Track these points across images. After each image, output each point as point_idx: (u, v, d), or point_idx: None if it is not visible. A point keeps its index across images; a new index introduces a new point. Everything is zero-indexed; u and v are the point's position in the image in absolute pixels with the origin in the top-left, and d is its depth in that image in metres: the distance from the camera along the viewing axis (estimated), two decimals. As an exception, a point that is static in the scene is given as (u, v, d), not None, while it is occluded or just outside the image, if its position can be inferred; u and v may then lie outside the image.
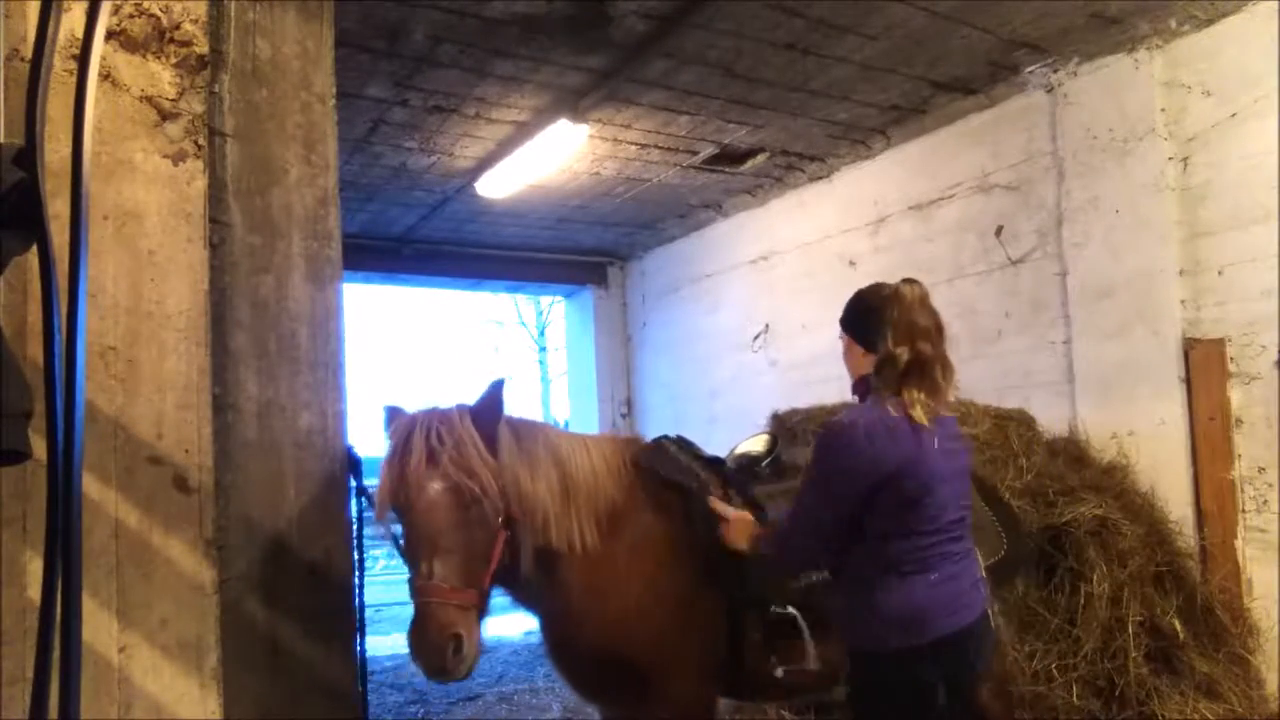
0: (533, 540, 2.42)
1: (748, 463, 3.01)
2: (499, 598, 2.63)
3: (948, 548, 2.13)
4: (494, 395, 2.41)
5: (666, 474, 2.69)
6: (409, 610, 2.20)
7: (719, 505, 2.53)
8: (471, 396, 2.45)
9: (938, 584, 2.09)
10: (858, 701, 2.23)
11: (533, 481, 2.43)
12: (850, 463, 2.07)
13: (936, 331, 2.13)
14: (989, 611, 2.26)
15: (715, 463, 2.90)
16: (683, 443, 2.93)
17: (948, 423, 2.22)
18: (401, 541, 2.29)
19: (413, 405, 2.46)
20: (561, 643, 2.65)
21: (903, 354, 2.07)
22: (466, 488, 2.22)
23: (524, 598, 2.65)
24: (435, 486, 2.21)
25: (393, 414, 2.43)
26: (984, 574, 2.33)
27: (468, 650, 2.12)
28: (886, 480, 2.04)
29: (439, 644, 2.09)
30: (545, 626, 2.69)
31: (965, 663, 2.17)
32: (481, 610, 2.23)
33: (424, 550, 2.19)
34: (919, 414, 2.06)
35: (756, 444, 3.10)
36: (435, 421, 2.31)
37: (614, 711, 2.85)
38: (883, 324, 2.09)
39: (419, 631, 2.12)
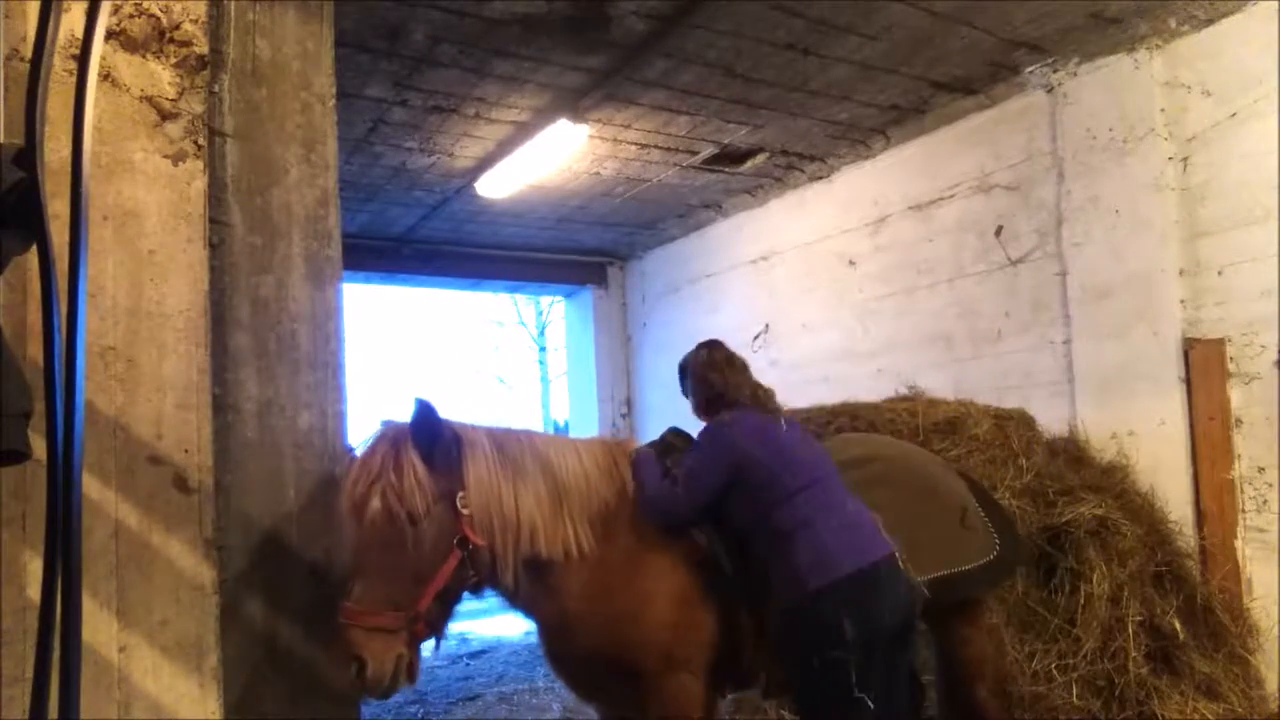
0: (517, 553, 2.41)
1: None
2: (496, 598, 2.63)
3: (835, 499, 2.55)
4: (422, 414, 2.32)
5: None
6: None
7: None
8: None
9: (839, 527, 2.48)
10: (785, 654, 2.51)
11: (516, 494, 2.41)
12: (717, 450, 2.60)
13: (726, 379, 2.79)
14: (896, 558, 2.50)
15: None
16: (677, 433, 2.95)
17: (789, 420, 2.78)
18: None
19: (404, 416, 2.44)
20: (559, 644, 2.66)
21: (717, 396, 2.80)
22: (394, 510, 2.19)
23: (517, 603, 2.65)
24: (370, 507, 2.19)
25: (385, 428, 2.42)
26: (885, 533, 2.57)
27: (373, 673, 2.10)
28: (750, 461, 2.54)
29: (343, 665, 2.12)
30: (542, 629, 2.70)
31: (876, 603, 2.41)
32: (416, 631, 2.20)
33: (353, 571, 2.21)
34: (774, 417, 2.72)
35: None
36: (383, 439, 2.30)
37: (612, 712, 2.85)
38: (695, 381, 2.90)
39: (343, 650, 2.14)
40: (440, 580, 2.24)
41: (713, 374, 2.82)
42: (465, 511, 2.31)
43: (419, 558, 2.22)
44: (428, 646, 2.32)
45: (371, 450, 2.28)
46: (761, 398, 2.77)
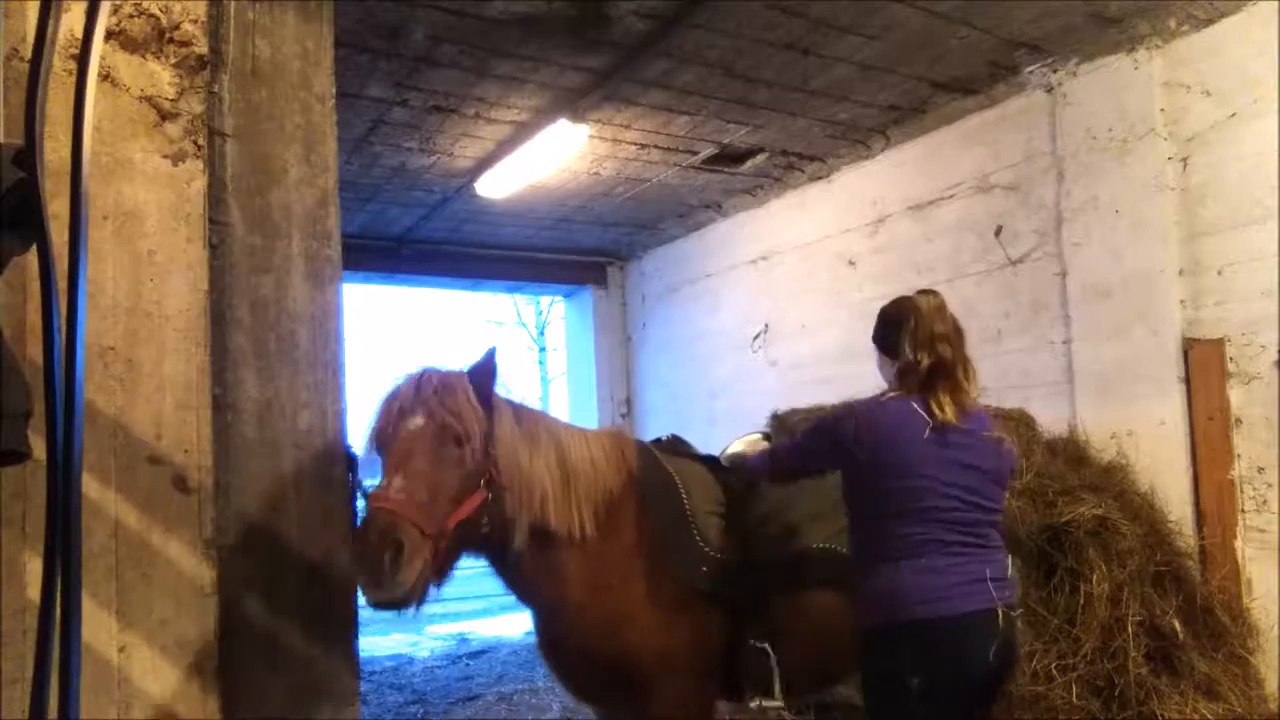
0: (529, 516, 2.42)
1: (741, 462, 3.01)
2: (502, 597, 2.63)
3: (945, 537, 2.18)
4: (488, 360, 2.44)
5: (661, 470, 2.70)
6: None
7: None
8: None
9: (922, 571, 2.16)
10: (863, 681, 2.36)
11: (531, 458, 2.45)
12: (836, 430, 2.31)
13: (955, 335, 2.29)
14: (1002, 617, 2.20)
15: (709, 462, 2.90)
16: (677, 442, 2.94)
17: (979, 421, 2.31)
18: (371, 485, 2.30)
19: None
20: (556, 641, 2.65)
21: (924, 359, 2.24)
22: (449, 425, 2.24)
23: (516, 587, 2.64)
24: (416, 422, 2.25)
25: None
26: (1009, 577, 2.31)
27: (406, 566, 2.05)
28: (872, 458, 2.22)
29: (377, 548, 2.05)
30: (540, 623, 2.69)
31: (956, 657, 2.17)
32: (437, 549, 2.17)
33: (391, 471, 2.20)
34: (949, 413, 2.21)
35: (749, 444, 3.12)
36: (430, 372, 2.38)
37: (610, 713, 2.84)
38: (902, 334, 2.28)
39: (361, 535, 2.11)
40: (469, 508, 2.26)
41: (941, 346, 2.27)
42: (494, 457, 2.35)
43: (457, 479, 2.24)
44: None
45: (415, 380, 2.34)
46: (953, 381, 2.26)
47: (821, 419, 2.44)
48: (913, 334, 2.26)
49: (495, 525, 2.39)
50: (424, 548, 2.11)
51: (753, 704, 2.64)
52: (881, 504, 2.23)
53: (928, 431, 2.20)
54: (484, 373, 2.42)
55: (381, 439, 2.29)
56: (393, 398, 2.34)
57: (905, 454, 2.19)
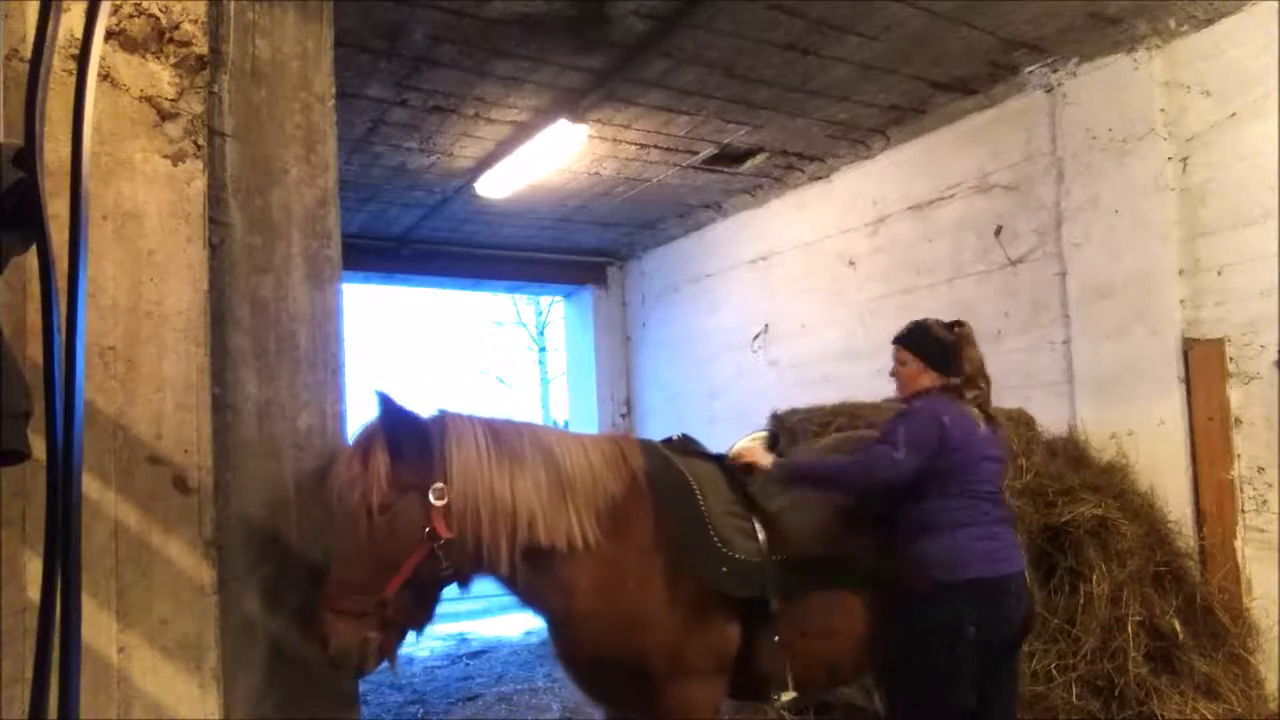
0: (512, 540, 2.40)
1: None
2: (502, 597, 2.63)
3: (990, 512, 2.69)
4: (384, 409, 2.34)
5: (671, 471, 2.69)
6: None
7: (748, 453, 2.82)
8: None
9: (980, 537, 2.63)
10: (901, 643, 2.66)
11: (512, 483, 2.41)
12: (930, 425, 2.68)
13: (982, 361, 2.88)
14: (1025, 575, 2.74)
15: (716, 460, 2.90)
16: (687, 442, 2.93)
17: (993, 428, 2.88)
18: None
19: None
20: (567, 641, 2.64)
21: (982, 384, 2.84)
22: (355, 502, 2.25)
23: (526, 599, 2.64)
24: (343, 499, 2.27)
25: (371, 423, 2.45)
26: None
27: (334, 650, 2.19)
28: (946, 442, 2.63)
29: (318, 645, 2.22)
30: (552, 627, 2.68)
31: (1000, 612, 2.61)
32: (385, 616, 2.26)
33: (330, 558, 2.32)
34: (978, 415, 2.79)
35: (754, 442, 3.11)
36: (361, 437, 2.36)
37: (619, 713, 2.84)
38: (959, 358, 2.81)
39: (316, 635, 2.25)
40: (406, 570, 2.28)
41: (971, 349, 2.85)
42: (439, 503, 2.31)
43: (384, 547, 2.27)
44: (412, 639, 2.41)
45: (354, 443, 2.36)
46: (983, 392, 2.85)
47: (909, 417, 2.71)
48: (971, 361, 2.82)
49: (461, 562, 2.38)
50: (359, 627, 2.22)
51: (777, 700, 2.66)
52: (947, 484, 2.65)
53: (981, 429, 2.75)
54: (390, 424, 2.34)
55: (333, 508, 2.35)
56: (335, 470, 2.34)
57: (972, 446, 2.69)
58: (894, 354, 2.91)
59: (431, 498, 2.31)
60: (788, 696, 2.63)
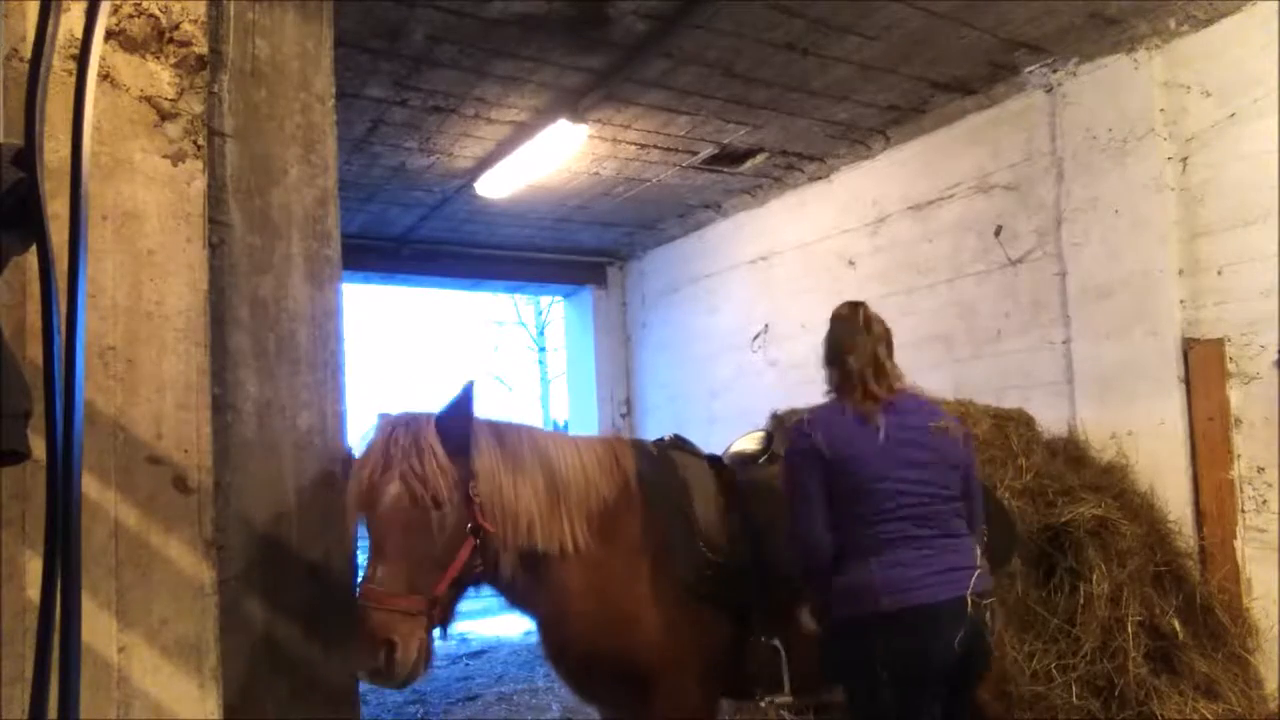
0: (515, 544, 2.41)
1: (743, 461, 3.01)
2: (495, 599, 2.63)
3: (911, 531, 2.32)
4: (462, 399, 2.39)
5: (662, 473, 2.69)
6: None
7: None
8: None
9: (888, 565, 2.29)
10: (831, 682, 2.50)
11: (516, 487, 2.42)
12: (803, 446, 2.38)
13: (874, 342, 2.46)
14: (970, 605, 2.30)
15: (712, 461, 2.90)
16: (679, 442, 2.93)
17: (916, 417, 2.45)
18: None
19: (406, 409, 2.46)
20: (558, 643, 2.65)
21: (834, 370, 2.48)
22: (419, 495, 2.21)
23: (516, 601, 2.65)
24: (390, 492, 2.22)
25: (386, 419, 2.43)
26: (978, 564, 2.39)
27: (401, 656, 2.12)
28: (834, 466, 2.33)
29: (371, 649, 2.12)
30: (542, 629, 2.69)
31: (919, 644, 2.27)
32: (433, 616, 2.23)
33: (374, 554, 2.22)
34: (875, 418, 2.38)
35: (751, 442, 3.12)
36: (400, 427, 2.32)
37: (613, 714, 2.84)
38: (828, 348, 2.51)
39: (358, 632, 2.16)
40: (457, 566, 2.27)
41: (849, 356, 2.44)
42: (477, 500, 2.32)
43: (439, 543, 2.24)
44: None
45: (386, 437, 2.30)
46: (873, 385, 2.41)
47: (785, 464, 2.46)
48: (857, 352, 2.45)
49: (488, 560, 2.39)
50: (417, 628, 2.17)
51: (762, 702, 2.64)
52: (840, 512, 2.35)
53: (881, 434, 2.35)
54: (459, 415, 2.37)
55: (360, 505, 2.26)
56: (365, 458, 2.29)
57: (862, 462, 2.33)
58: None
59: (470, 492, 2.32)
60: (781, 700, 2.61)
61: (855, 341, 2.44)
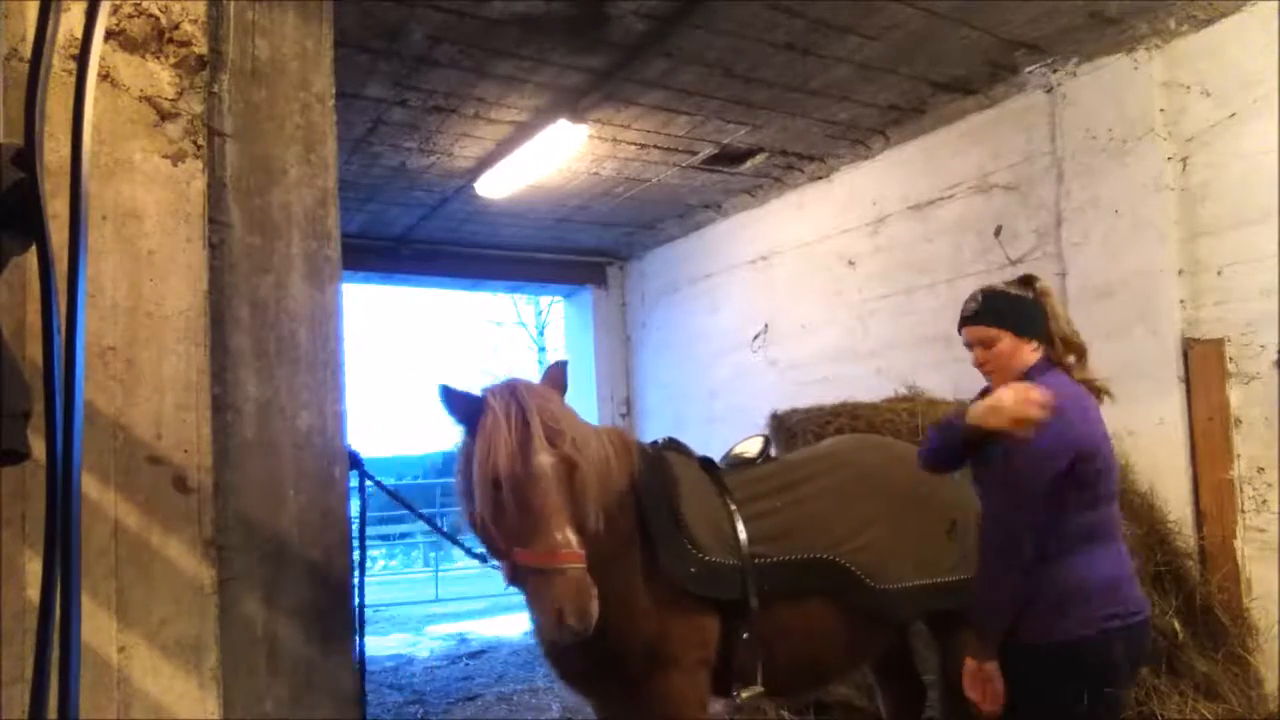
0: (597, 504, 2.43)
1: (740, 464, 3.02)
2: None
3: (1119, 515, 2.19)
4: (561, 374, 2.49)
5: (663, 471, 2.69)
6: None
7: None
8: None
9: (1123, 554, 2.23)
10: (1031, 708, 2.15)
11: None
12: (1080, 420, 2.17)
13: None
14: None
15: (708, 464, 2.90)
16: (673, 444, 2.93)
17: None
18: (477, 515, 2.31)
19: (471, 386, 2.44)
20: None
21: (1076, 335, 2.32)
22: (572, 458, 2.26)
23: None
24: (542, 460, 2.23)
25: (448, 393, 2.38)
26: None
27: (595, 612, 2.15)
28: (1086, 453, 2.17)
29: (585, 604, 2.13)
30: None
31: (1142, 647, 2.22)
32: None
33: (547, 518, 2.19)
34: (1103, 384, 2.34)
35: (750, 446, 3.13)
36: (535, 397, 2.33)
37: (607, 710, 2.84)
38: (1045, 315, 2.31)
39: (552, 595, 2.13)
40: (585, 522, 2.30)
41: (1057, 306, 2.32)
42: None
43: (586, 503, 2.29)
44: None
45: (522, 408, 2.28)
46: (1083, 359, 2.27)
47: (1059, 416, 2.08)
48: (1060, 321, 2.32)
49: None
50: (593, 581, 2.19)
51: (738, 698, 2.65)
52: (1085, 491, 2.19)
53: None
54: (562, 388, 2.48)
55: (504, 475, 2.22)
56: (500, 428, 2.25)
57: (1103, 438, 2.25)
58: (971, 339, 2.33)
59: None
60: (748, 694, 2.62)
61: (1061, 310, 2.35)
